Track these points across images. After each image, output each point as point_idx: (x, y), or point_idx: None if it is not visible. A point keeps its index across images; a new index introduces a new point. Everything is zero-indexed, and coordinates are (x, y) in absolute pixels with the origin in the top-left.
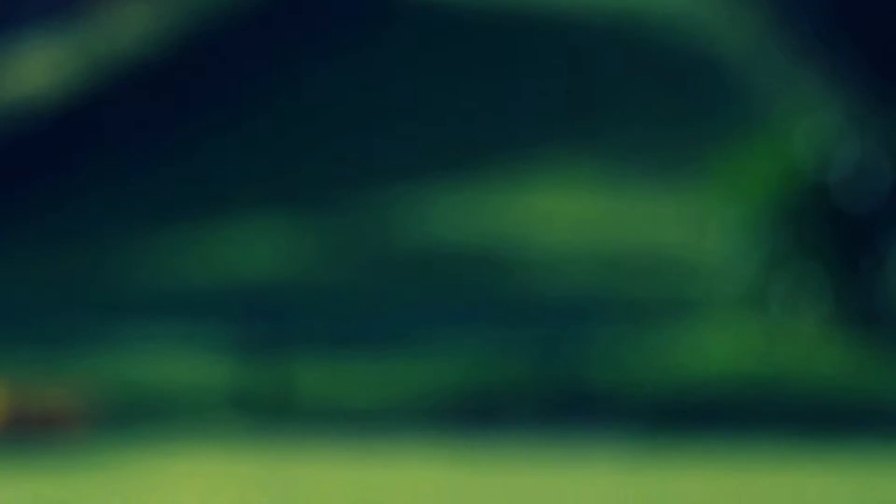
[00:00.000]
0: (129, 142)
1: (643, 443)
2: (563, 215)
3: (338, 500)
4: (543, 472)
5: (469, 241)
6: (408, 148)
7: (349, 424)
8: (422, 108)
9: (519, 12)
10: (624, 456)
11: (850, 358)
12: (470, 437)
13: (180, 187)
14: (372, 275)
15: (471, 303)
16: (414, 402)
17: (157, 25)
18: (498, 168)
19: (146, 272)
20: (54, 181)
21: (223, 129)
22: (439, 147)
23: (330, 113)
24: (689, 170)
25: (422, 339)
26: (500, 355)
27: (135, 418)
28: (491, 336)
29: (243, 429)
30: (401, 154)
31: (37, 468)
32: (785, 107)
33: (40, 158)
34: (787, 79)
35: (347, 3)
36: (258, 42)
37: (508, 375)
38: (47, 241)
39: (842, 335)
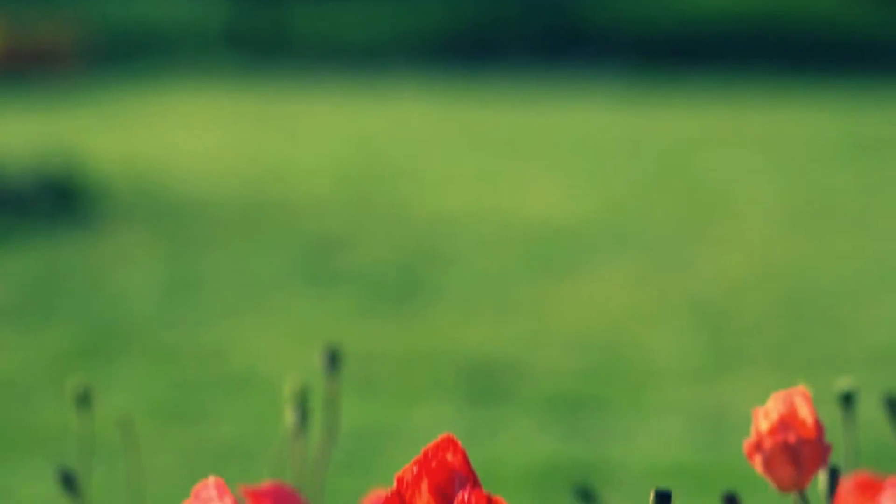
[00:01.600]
0: None
1: (636, 79)
2: None
3: (333, 134)
4: (536, 108)
5: None
6: None
7: (344, 61)
8: None
9: None
10: (617, 92)
11: None
12: (462, 74)
13: None
14: None
15: None
16: (407, 40)
17: None
18: None
19: None
20: None
21: None
22: None
23: None
24: None
25: None
26: None
27: (130, 55)
28: None
29: (239, 65)
30: None
31: (32, 104)
32: None
33: None
34: None
35: None
36: None
37: (500, 13)
38: None
39: None
